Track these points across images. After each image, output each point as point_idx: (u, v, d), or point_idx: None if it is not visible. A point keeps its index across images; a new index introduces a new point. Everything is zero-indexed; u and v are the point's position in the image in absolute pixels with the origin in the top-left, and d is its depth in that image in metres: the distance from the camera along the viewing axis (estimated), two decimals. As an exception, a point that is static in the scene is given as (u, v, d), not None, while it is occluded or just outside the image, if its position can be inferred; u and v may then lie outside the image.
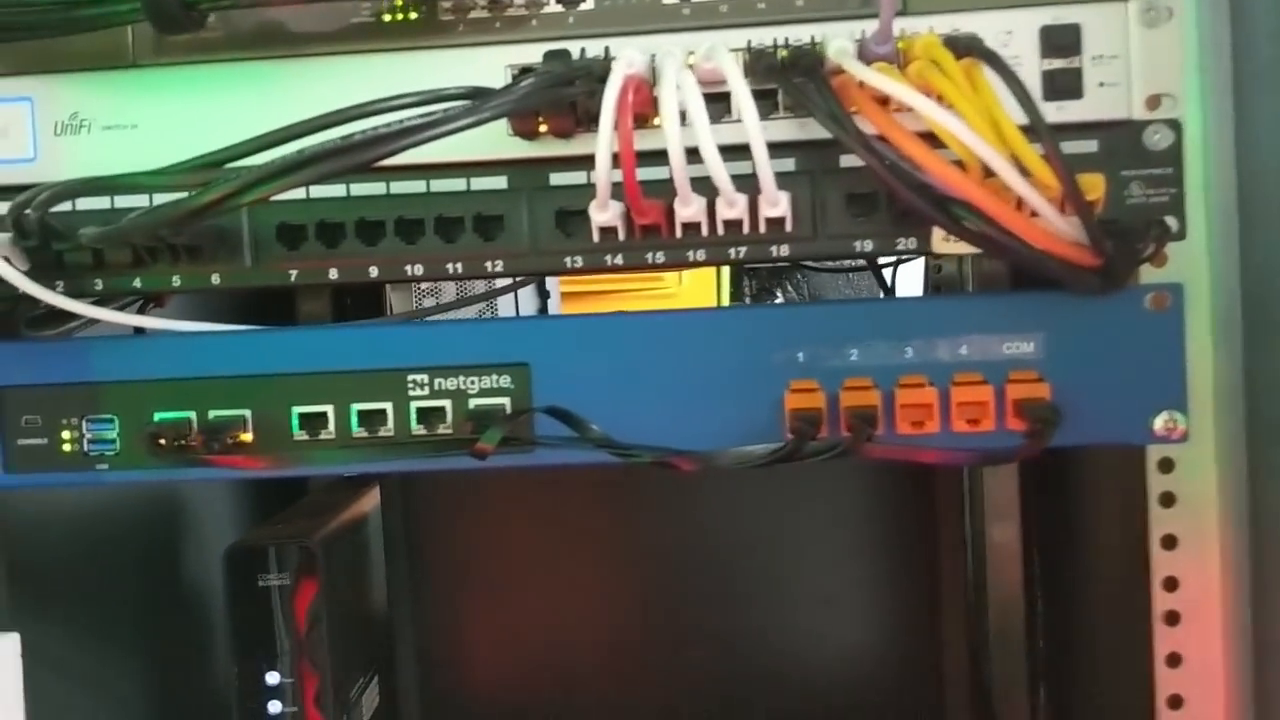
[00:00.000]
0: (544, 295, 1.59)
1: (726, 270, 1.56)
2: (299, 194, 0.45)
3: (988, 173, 0.39)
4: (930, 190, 0.40)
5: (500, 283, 0.81)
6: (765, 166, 0.40)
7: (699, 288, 1.64)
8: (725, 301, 1.62)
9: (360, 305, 0.99)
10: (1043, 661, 0.82)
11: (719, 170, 0.39)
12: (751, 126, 0.39)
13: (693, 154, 0.39)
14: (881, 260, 0.95)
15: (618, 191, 0.42)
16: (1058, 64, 0.43)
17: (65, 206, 0.44)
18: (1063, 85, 0.43)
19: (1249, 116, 0.46)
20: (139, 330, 0.58)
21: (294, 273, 0.46)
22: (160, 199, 0.42)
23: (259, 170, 0.37)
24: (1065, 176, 0.38)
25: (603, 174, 0.40)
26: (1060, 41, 0.43)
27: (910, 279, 1.05)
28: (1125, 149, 0.43)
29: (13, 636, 0.47)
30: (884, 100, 0.40)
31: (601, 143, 0.39)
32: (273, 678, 0.66)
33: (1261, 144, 0.46)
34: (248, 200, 0.37)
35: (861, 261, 1.38)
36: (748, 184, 0.42)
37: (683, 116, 0.39)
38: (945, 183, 0.38)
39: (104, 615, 0.66)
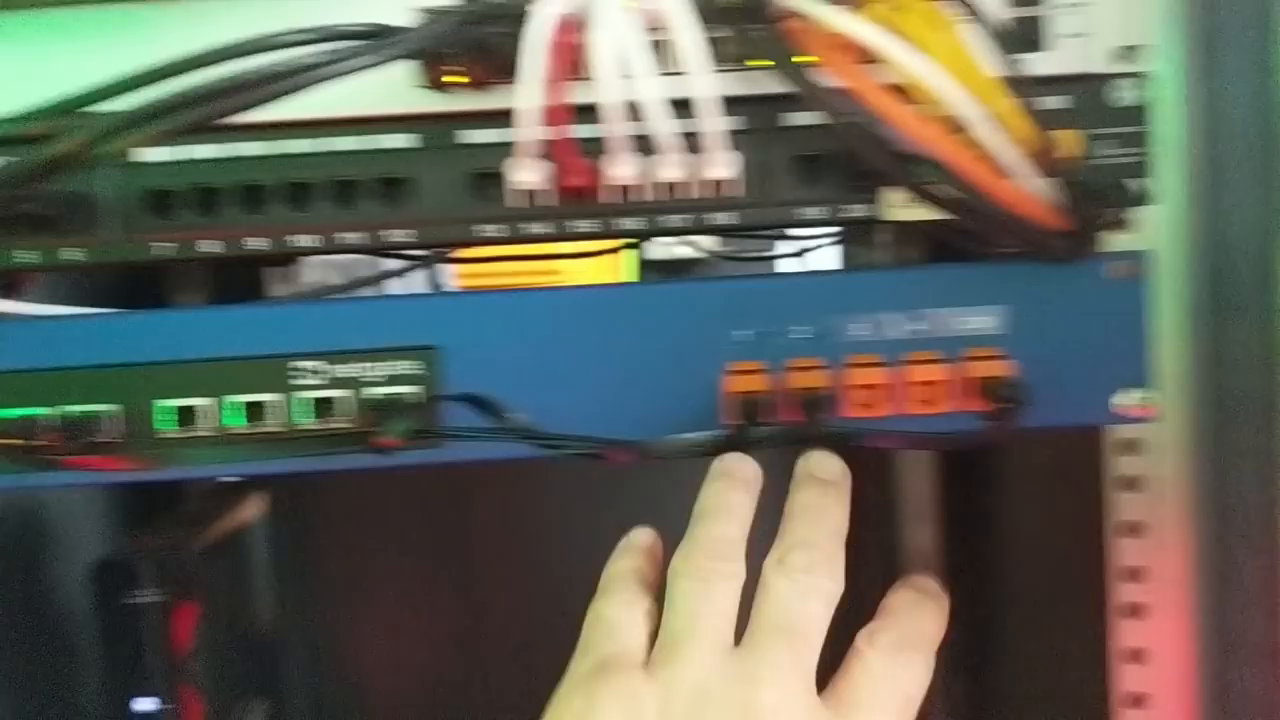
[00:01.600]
0: (437, 286, 1.52)
1: (631, 264, 1.51)
2: (169, 154, 0.39)
3: (953, 129, 0.36)
4: (890, 149, 0.36)
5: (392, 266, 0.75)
6: (714, 121, 0.35)
7: (603, 275, 1.59)
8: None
9: (239, 288, 0.92)
10: (958, 656, 0.80)
11: (664, 125, 0.35)
12: (701, 75, 0.34)
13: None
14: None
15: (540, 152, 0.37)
16: (1024, 11, 0.39)
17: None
18: (1029, 34, 0.39)
19: (1217, 77, 0.43)
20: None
21: (165, 246, 0.40)
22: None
23: (123, 114, 0.31)
24: (1040, 131, 0.35)
25: (528, 127, 0.35)
26: (1026, -13, 0.39)
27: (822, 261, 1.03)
28: (1094, 105, 0.40)
29: None
30: (841, 48, 0.36)
31: (527, 89, 0.34)
32: (147, 704, 0.60)
33: (1228, 108, 0.43)
34: (108, 150, 0.31)
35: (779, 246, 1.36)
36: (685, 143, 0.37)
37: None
38: (916, 138, 0.34)
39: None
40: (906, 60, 0.34)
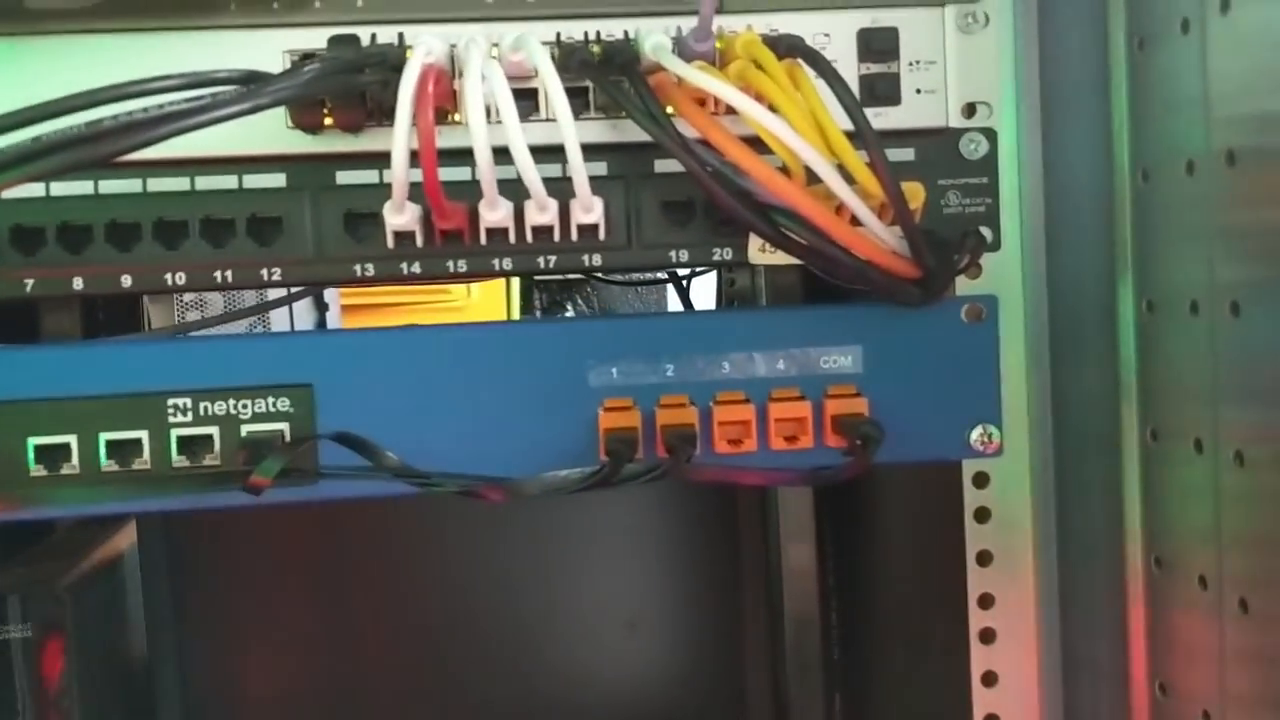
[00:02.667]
0: (322, 308, 1.50)
1: (516, 282, 1.52)
2: (37, 190, 0.39)
3: (810, 179, 0.38)
4: (751, 198, 0.38)
5: (274, 294, 0.74)
6: (580, 169, 0.36)
7: (489, 301, 1.60)
8: (516, 315, 1.58)
9: (115, 321, 0.90)
10: (838, 676, 0.83)
11: (530, 172, 0.36)
12: (565, 125, 0.35)
13: (498, 154, 0.36)
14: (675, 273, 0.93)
15: (415, 194, 0.38)
16: (875, 69, 0.41)
17: None
18: (880, 91, 0.42)
19: (1057, 131, 0.46)
20: None
21: (30, 282, 0.40)
22: None
23: (-13, 157, 0.31)
24: (890, 184, 0.37)
25: (399, 171, 0.36)
26: (878, 45, 0.41)
27: (702, 293, 1.05)
28: (942, 158, 0.42)
29: None
30: (702, 101, 0.38)
31: (399, 136, 0.35)
32: (13, 744, 0.58)
33: (1068, 160, 0.46)
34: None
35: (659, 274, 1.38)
36: (557, 188, 0.39)
37: (487, 113, 0.35)
38: (770, 189, 0.36)
39: None
40: (762, 119, 0.35)
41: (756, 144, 0.37)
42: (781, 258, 0.41)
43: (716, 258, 0.42)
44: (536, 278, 1.62)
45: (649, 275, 1.40)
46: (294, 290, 0.70)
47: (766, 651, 0.75)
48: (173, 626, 0.68)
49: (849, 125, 0.37)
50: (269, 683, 0.71)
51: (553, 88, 0.35)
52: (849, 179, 0.37)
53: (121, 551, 0.69)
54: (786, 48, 0.38)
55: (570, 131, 0.36)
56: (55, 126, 0.33)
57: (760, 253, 0.41)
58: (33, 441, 0.39)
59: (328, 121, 0.39)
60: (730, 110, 0.39)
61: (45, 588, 0.59)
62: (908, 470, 0.52)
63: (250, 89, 0.34)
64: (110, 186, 0.40)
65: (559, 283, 1.78)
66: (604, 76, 0.38)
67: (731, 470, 0.40)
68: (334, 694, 0.72)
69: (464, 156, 0.38)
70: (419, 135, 0.35)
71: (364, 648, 0.72)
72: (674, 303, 0.96)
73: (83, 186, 0.39)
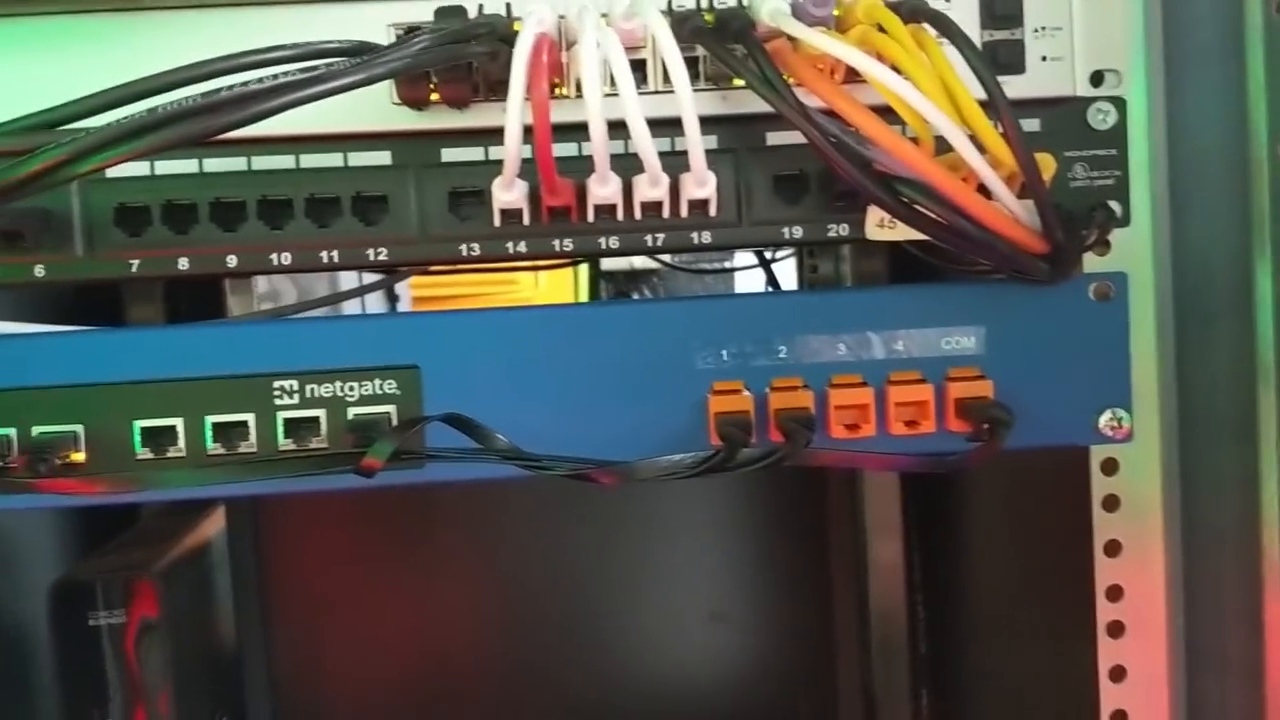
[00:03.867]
0: (392, 299, 1.50)
1: (585, 271, 1.51)
2: (142, 170, 0.39)
3: (938, 149, 0.36)
4: (872, 169, 0.36)
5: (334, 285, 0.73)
6: (697, 141, 0.35)
7: (556, 292, 1.59)
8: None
9: (197, 311, 0.90)
10: (925, 670, 0.81)
11: (647, 143, 0.35)
12: (684, 95, 0.34)
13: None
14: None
15: (522, 170, 0.36)
16: (999, 35, 0.40)
17: None
18: (1004, 58, 0.40)
19: (1185, 99, 0.44)
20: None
21: (136, 262, 0.39)
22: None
23: (101, 133, 0.30)
24: (1024, 154, 0.35)
25: (512, 145, 0.35)
26: (1002, 11, 0.40)
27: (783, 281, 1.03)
28: (1069, 128, 0.40)
29: None
30: (825, 69, 0.36)
31: (512, 108, 0.34)
32: (107, 728, 0.58)
33: (1198, 129, 0.44)
34: (85, 169, 0.30)
35: (727, 261, 1.36)
36: (663, 163, 0.37)
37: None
38: (899, 158, 0.34)
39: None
40: (891, 82, 0.34)
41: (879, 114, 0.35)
42: (901, 233, 0.39)
43: (832, 234, 0.40)
44: (604, 267, 1.61)
45: (717, 263, 1.39)
46: (365, 282, 0.69)
47: (856, 645, 0.73)
48: (259, 611, 0.68)
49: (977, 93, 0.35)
50: (354, 667, 0.71)
51: (670, 56, 0.34)
52: (978, 148, 0.35)
53: (209, 538, 0.69)
54: (910, 11, 0.36)
55: (688, 102, 0.34)
56: (169, 99, 0.32)
57: (878, 228, 0.40)
58: (139, 424, 0.39)
59: (434, 96, 0.38)
60: (847, 79, 0.37)
61: (136, 574, 0.59)
62: (1018, 458, 0.50)
63: (363, 60, 0.33)
64: (215, 165, 0.39)
65: (625, 273, 1.77)
66: (719, 44, 0.36)
67: (854, 455, 0.38)
68: (418, 681, 0.71)
69: (569, 131, 0.37)
70: (533, 108, 0.34)
71: (448, 634, 0.71)
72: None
73: (187, 165, 0.39)
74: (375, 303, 1.48)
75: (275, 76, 0.32)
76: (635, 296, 1.79)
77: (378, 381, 0.39)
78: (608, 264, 1.62)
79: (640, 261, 1.84)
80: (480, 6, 0.38)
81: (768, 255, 0.92)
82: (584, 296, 1.58)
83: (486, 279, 1.62)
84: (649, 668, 0.73)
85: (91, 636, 0.59)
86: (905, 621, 0.83)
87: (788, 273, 1.00)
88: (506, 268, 0.70)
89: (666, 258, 1.03)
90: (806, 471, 0.71)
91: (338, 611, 0.71)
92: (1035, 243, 0.37)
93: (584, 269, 1.50)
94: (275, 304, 1.24)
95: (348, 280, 1.60)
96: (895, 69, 0.34)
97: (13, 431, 0.38)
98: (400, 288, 1.49)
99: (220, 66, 0.32)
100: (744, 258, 1.32)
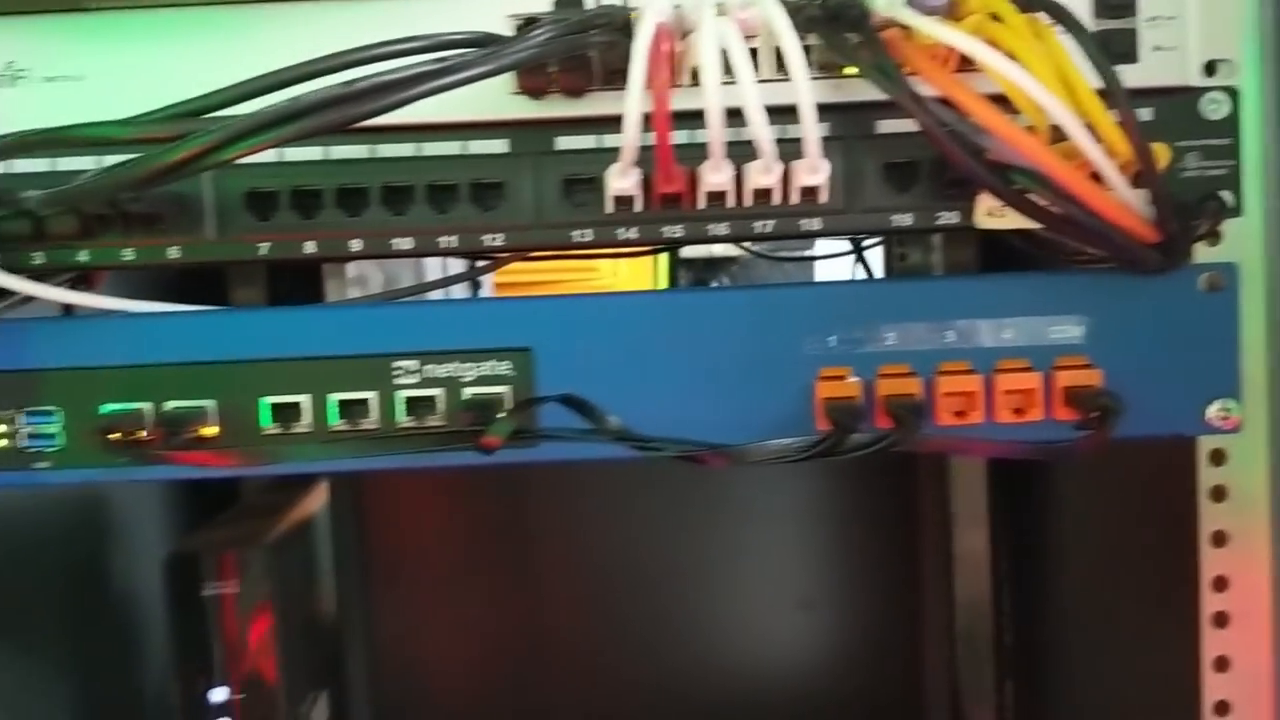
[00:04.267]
0: (475, 287, 1.53)
1: (664, 260, 1.51)
2: (271, 157, 0.40)
3: (1052, 139, 0.36)
4: (985, 158, 0.36)
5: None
6: (813, 127, 0.36)
7: (635, 277, 1.60)
8: (663, 292, 1.57)
9: (297, 296, 0.93)
10: (1010, 661, 0.81)
11: (764, 130, 0.35)
12: (801, 81, 0.35)
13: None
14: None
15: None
16: (1111, 24, 0.40)
17: (-1, 167, 0.38)
18: (1117, 48, 0.40)
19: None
20: (68, 310, 0.52)
21: (264, 246, 0.41)
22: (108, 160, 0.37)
23: (247, 120, 0.32)
24: (1141, 144, 0.35)
25: (632, 133, 0.36)
26: (1115, 0, 0.39)
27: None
28: (1181, 118, 0.40)
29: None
30: (939, 58, 0.36)
31: (632, 97, 0.35)
32: (217, 695, 0.61)
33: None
34: (232, 155, 0.32)
35: (806, 250, 1.36)
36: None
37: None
38: (1016, 147, 0.35)
39: (23, 629, 0.59)
40: (1009, 71, 0.34)
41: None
42: (1010, 221, 0.40)
43: (941, 221, 0.41)
44: (684, 259, 1.61)
45: (798, 251, 1.39)
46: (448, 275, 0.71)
47: (945, 636, 0.73)
48: (360, 586, 0.70)
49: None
50: (451, 645, 0.73)
51: (789, 44, 0.35)
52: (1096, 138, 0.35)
53: (313, 513, 0.71)
54: (1026, 0, 0.36)
55: (806, 88, 0.35)
56: (306, 89, 0.33)
57: (987, 217, 0.40)
58: (266, 400, 0.40)
59: (551, 86, 0.39)
60: (961, 68, 0.38)
61: (248, 546, 0.61)
62: (1114, 450, 0.50)
63: (492, 51, 0.34)
64: (340, 152, 0.40)
65: (704, 260, 1.78)
66: (834, 33, 0.37)
67: (965, 442, 0.39)
68: (514, 657, 0.73)
69: (680, 119, 0.37)
70: (653, 96, 0.35)
71: (544, 613, 0.73)
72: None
73: (314, 152, 0.40)
74: (460, 289, 1.50)
75: (409, 67, 0.33)
76: (714, 285, 1.79)
77: (493, 363, 0.41)
78: (686, 251, 1.63)
79: (719, 249, 1.85)
80: (597, -2, 0.39)
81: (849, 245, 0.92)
82: (663, 284, 1.59)
83: (567, 266, 1.63)
84: (735, 652, 0.74)
85: (202, 606, 0.61)
86: (990, 612, 0.83)
87: (874, 262, 1.00)
88: (610, 254, 0.71)
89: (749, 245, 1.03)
90: (896, 461, 0.71)
91: (436, 588, 0.72)
92: (1148, 232, 0.37)
93: (663, 257, 1.51)
94: (363, 290, 1.27)
95: (432, 268, 1.63)
96: (1012, 58, 0.35)
97: (148, 405, 0.40)
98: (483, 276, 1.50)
99: (356, 57, 0.34)
100: (823, 246, 1.32)
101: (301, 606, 0.68)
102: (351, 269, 1.10)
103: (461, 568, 0.72)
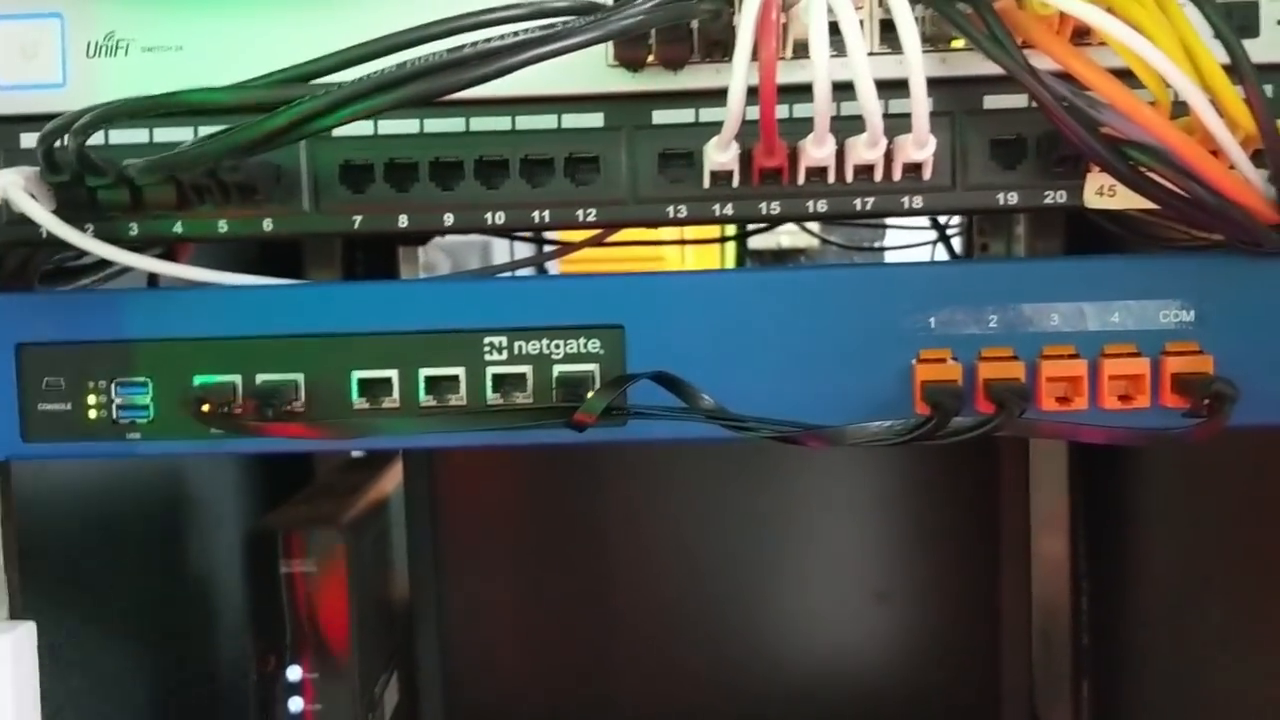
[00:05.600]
0: (541, 270, 1.53)
1: (731, 249, 1.50)
2: (365, 129, 0.40)
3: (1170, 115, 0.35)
4: (1104, 134, 0.35)
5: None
6: (923, 101, 0.35)
7: (702, 263, 1.59)
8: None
9: (372, 273, 0.93)
10: (1087, 663, 0.79)
11: (872, 103, 0.34)
12: (913, 52, 0.34)
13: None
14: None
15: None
16: (1233, -3, 0.38)
17: (96, 137, 0.38)
18: (1238, 21, 0.38)
19: None
20: (152, 281, 0.52)
21: (358, 218, 0.41)
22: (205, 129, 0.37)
23: (351, 86, 0.32)
24: (1268, 120, 0.34)
25: (736, 107, 0.35)
26: (1237, -28, 0.38)
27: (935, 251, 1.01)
28: (1304, 95, 0.38)
29: (28, 625, 0.41)
30: (1055, 30, 0.35)
31: (738, 70, 0.34)
32: (294, 672, 0.61)
33: None
34: (337, 121, 0.32)
35: (879, 240, 1.34)
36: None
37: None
38: (1138, 122, 0.33)
39: (106, 602, 0.60)
40: (1132, 41, 0.33)
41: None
42: (1120, 201, 0.38)
43: (1049, 200, 0.39)
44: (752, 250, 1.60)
45: (870, 242, 1.37)
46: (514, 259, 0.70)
47: (1023, 634, 0.72)
48: (433, 566, 0.70)
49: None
50: (520, 626, 0.72)
51: (901, 16, 0.34)
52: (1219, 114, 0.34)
53: (389, 493, 0.71)
54: (1147, -29, 0.35)
55: (917, 61, 0.34)
56: (408, 56, 0.33)
57: (1097, 196, 0.39)
58: (356, 375, 0.40)
59: (650, 58, 0.38)
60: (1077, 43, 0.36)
61: (327, 525, 0.62)
62: (1207, 449, 0.48)
63: (596, 18, 0.33)
64: (435, 125, 0.40)
65: (772, 252, 1.76)
66: (948, 4, 0.36)
67: (1072, 427, 0.37)
68: (582, 642, 0.73)
69: (782, 92, 0.36)
70: (761, 68, 0.34)
71: (614, 599, 0.72)
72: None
73: (409, 125, 0.40)
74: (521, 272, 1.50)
75: (516, 34, 0.32)
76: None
77: (583, 340, 0.40)
78: (754, 243, 1.62)
79: (788, 240, 1.84)
80: (698, -32, 0.38)
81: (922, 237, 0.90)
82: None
83: (634, 254, 1.63)
84: (811, 642, 0.73)
85: (279, 583, 0.61)
86: (1068, 613, 0.81)
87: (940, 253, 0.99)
88: (642, 241, 0.70)
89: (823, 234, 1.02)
90: (978, 454, 0.70)
91: (507, 571, 0.72)
92: (1270, 212, 0.36)
93: (730, 246, 1.50)
94: (431, 271, 1.27)
95: (500, 251, 1.62)
96: (1134, 29, 0.33)
97: (239, 378, 0.40)
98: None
99: (459, 24, 0.33)
100: (894, 237, 1.30)
101: (376, 587, 0.68)
102: (422, 255, 1.10)
103: (533, 551, 0.72)
